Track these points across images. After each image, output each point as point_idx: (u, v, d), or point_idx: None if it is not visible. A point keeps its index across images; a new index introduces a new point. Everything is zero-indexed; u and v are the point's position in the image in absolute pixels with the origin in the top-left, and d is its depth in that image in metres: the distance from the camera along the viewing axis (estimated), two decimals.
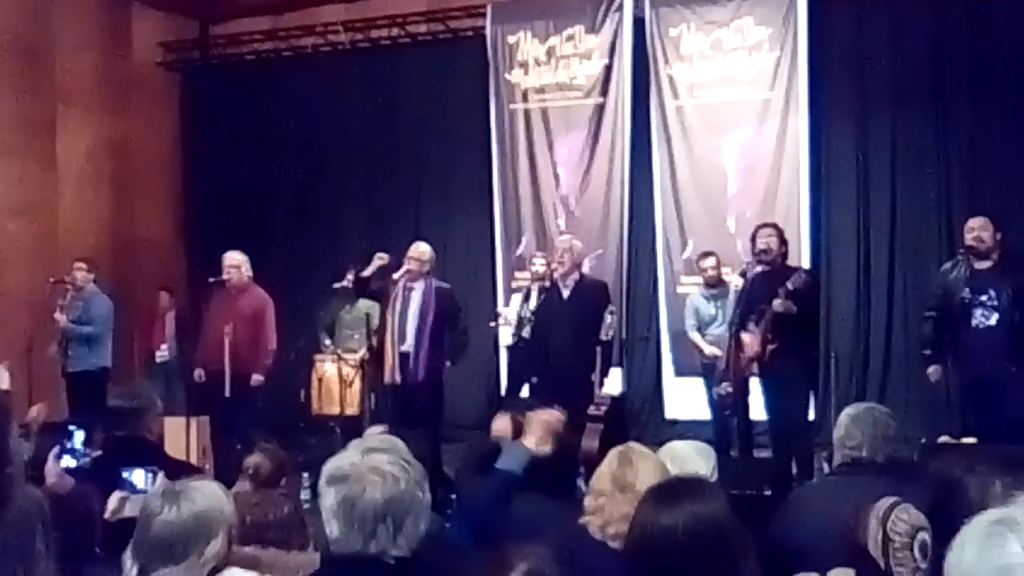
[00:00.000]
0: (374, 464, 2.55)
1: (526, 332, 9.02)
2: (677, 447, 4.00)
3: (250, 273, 9.18)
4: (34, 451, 4.55)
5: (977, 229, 7.51)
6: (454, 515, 4.86)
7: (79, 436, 3.98)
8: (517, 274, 11.19)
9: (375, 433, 4.72)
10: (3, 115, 11.41)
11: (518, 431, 4.66)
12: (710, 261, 9.32)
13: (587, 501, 3.44)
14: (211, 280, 9.23)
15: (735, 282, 8.74)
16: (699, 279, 9.69)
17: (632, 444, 3.58)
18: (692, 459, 3.81)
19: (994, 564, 1.39)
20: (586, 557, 3.08)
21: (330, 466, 2.59)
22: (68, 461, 3.94)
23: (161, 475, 3.80)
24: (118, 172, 12.66)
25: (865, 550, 2.80)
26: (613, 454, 3.49)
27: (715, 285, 9.19)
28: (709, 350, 8.93)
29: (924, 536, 2.80)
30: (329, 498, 2.52)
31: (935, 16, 10.29)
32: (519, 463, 4.25)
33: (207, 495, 2.82)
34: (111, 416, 4.76)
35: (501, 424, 5.12)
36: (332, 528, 2.52)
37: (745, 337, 7.76)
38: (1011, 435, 6.79)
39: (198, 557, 2.72)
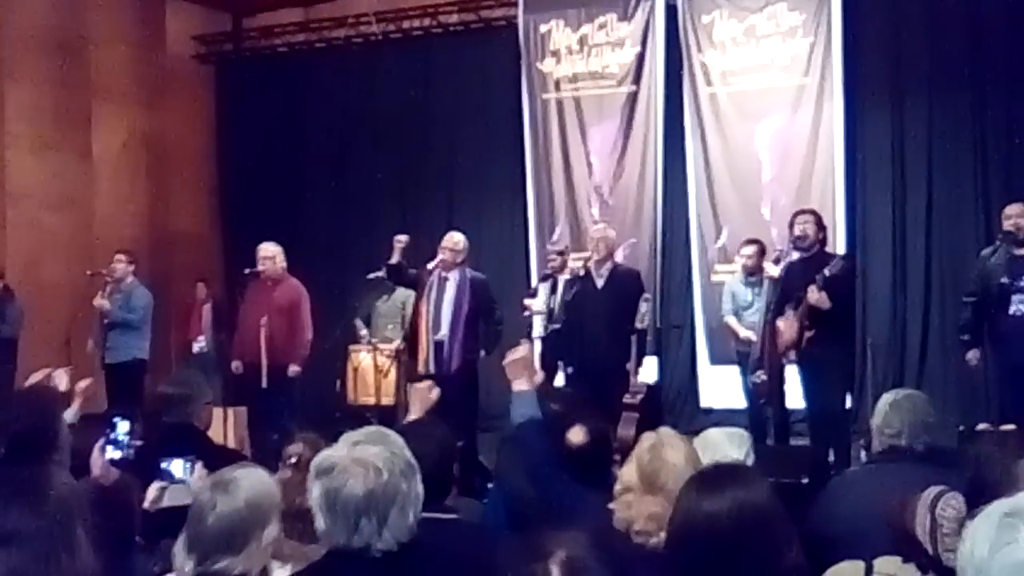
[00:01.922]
0: (359, 456, 2.54)
1: (556, 324, 9.03)
2: (711, 435, 3.97)
3: (284, 264, 9.21)
4: (75, 441, 4.58)
5: (1015, 216, 7.44)
6: (491, 503, 4.86)
7: (123, 427, 3.98)
8: (547, 266, 11.21)
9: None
10: (39, 109, 11.51)
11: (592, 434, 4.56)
12: (751, 249, 9.13)
13: (616, 490, 3.42)
14: (246, 272, 9.28)
15: (770, 271, 8.69)
16: (734, 267, 9.65)
17: (664, 431, 3.51)
18: (726, 446, 3.78)
19: (1009, 560, 1.36)
20: (621, 546, 3.07)
21: (318, 458, 2.60)
22: (112, 452, 3.96)
23: (200, 465, 3.82)
24: (153, 165, 12.75)
25: (913, 537, 2.78)
26: (645, 444, 3.42)
27: (753, 273, 9.10)
28: (744, 334, 8.87)
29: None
30: (315, 491, 2.53)
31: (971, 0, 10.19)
32: (531, 404, 4.23)
33: (256, 482, 2.83)
34: (159, 402, 4.81)
35: (577, 434, 4.90)
36: (319, 521, 2.53)
37: (780, 323, 7.72)
38: None
39: (257, 544, 2.74)
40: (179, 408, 4.80)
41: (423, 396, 4.74)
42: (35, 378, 5.02)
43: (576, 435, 4.35)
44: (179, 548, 2.75)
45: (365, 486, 2.49)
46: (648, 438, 3.45)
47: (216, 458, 3.82)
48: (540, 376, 4.39)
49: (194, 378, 5.31)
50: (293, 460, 4.43)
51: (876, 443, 4.11)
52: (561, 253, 10.08)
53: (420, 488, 2.58)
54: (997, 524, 1.39)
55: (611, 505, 3.33)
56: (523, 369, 4.32)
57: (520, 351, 4.43)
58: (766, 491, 2.57)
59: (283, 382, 8.94)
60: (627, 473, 3.37)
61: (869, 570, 2.85)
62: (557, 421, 4.36)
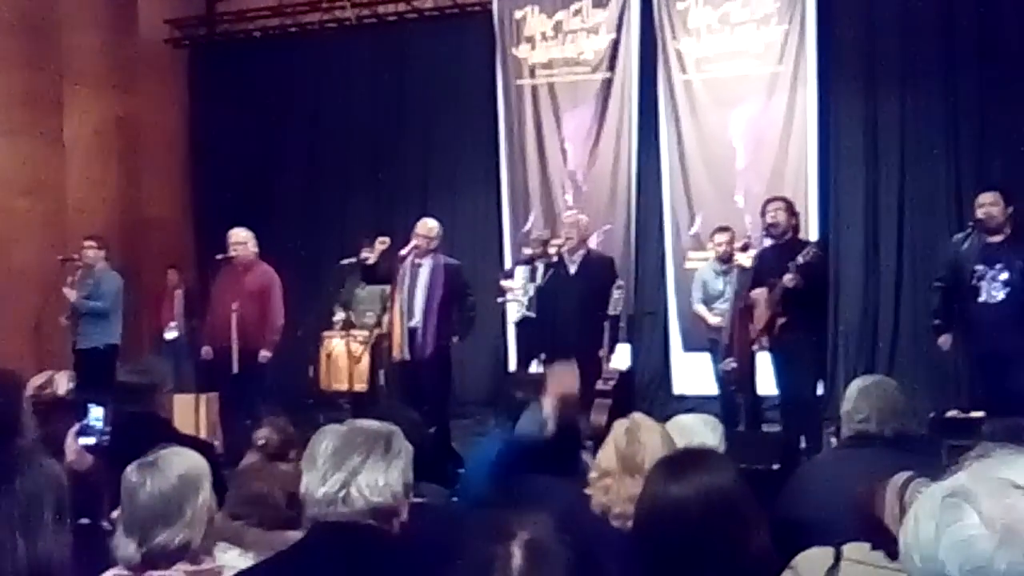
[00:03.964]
0: (351, 422, 2.65)
1: (531, 311, 9.03)
2: (684, 420, 3.99)
3: (256, 250, 9.18)
4: (46, 428, 4.55)
5: (987, 204, 7.45)
6: (460, 488, 4.87)
7: (96, 412, 3.97)
8: (525, 250, 11.18)
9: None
10: (10, 94, 11.38)
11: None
12: (724, 236, 9.19)
13: (592, 476, 3.42)
14: (218, 257, 9.25)
15: (741, 259, 8.72)
16: (707, 254, 9.67)
17: (637, 416, 3.53)
18: (700, 432, 3.80)
19: (953, 539, 1.36)
20: (588, 530, 3.08)
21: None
22: (86, 439, 3.94)
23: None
24: (126, 150, 12.64)
25: (881, 523, 2.78)
26: (620, 429, 3.45)
27: (727, 260, 9.11)
28: (714, 320, 8.92)
29: None
30: (305, 453, 2.62)
31: None
32: (530, 428, 4.24)
33: (182, 456, 2.88)
34: (121, 392, 4.76)
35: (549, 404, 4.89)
36: (302, 482, 2.58)
37: (755, 293, 7.75)
38: (1019, 409, 6.79)
39: (192, 512, 2.76)
40: (142, 397, 4.75)
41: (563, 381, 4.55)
42: (37, 381, 4.98)
43: (548, 404, 4.38)
44: (119, 535, 2.76)
45: (339, 442, 2.56)
46: (622, 423, 3.47)
47: (185, 447, 3.80)
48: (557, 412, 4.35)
49: (155, 365, 5.27)
50: (261, 442, 4.41)
51: (845, 429, 4.12)
52: (545, 243, 10.01)
53: (404, 463, 2.60)
54: (940, 505, 1.39)
55: (587, 491, 3.35)
56: (558, 387, 4.33)
57: (569, 374, 4.45)
58: (733, 476, 2.58)
59: (255, 368, 8.91)
60: (604, 458, 3.39)
61: (838, 556, 2.85)
62: (522, 408, 4.38)
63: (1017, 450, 1.46)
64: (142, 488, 2.76)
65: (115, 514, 2.99)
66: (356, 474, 2.52)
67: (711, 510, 2.48)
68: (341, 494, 2.51)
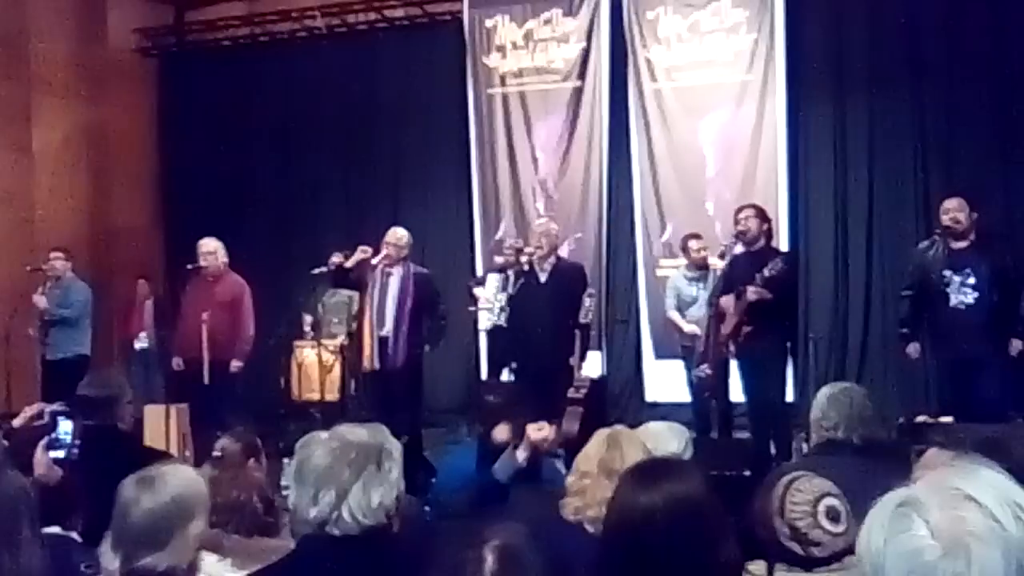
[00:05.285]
0: (338, 433, 2.58)
1: (502, 319, 9.02)
2: (651, 428, 4.02)
3: (226, 259, 9.15)
4: (16, 440, 4.52)
5: (953, 210, 7.52)
6: (432, 497, 4.87)
7: (65, 426, 3.94)
8: (496, 258, 11.17)
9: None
10: None
11: (520, 433, 4.63)
12: (699, 243, 9.17)
13: (569, 480, 3.45)
14: (188, 267, 9.21)
15: (717, 265, 8.75)
16: (679, 261, 9.70)
17: (620, 427, 3.59)
18: (666, 438, 3.82)
19: (903, 548, 1.37)
20: (558, 537, 3.09)
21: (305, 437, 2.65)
22: (55, 452, 3.92)
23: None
24: (94, 160, 12.59)
25: (779, 542, 2.74)
26: (602, 436, 3.49)
27: (703, 267, 9.11)
28: (689, 328, 8.92)
29: (829, 501, 2.70)
30: (292, 465, 2.57)
31: None
32: (505, 473, 4.28)
33: (181, 477, 2.82)
34: (81, 405, 4.72)
35: (502, 432, 5.04)
36: (290, 495, 2.54)
37: (723, 300, 7.78)
38: (987, 414, 6.86)
39: (183, 539, 2.72)
40: (103, 411, 4.71)
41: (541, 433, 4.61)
42: (29, 412, 4.92)
43: (500, 432, 4.40)
44: (105, 547, 2.72)
45: (330, 458, 2.51)
46: (602, 431, 3.54)
47: (148, 460, 3.79)
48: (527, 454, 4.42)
49: (115, 378, 5.23)
50: (218, 453, 4.38)
51: (814, 436, 4.15)
52: (519, 251, 9.97)
53: (395, 477, 2.57)
54: (891, 514, 1.40)
55: (565, 497, 3.37)
56: (540, 440, 4.37)
57: (546, 434, 4.49)
58: (701, 484, 2.59)
59: (225, 378, 8.88)
60: (584, 461, 3.43)
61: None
62: (492, 415, 4.41)
63: (983, 462, 1.48)
64: (136, 505, 2.71)
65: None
66: (347, 494, 2.48)
67: (678, 518, 2.48)
68: (333, 515, 2.47)
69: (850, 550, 2.66)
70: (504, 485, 4.25)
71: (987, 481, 1.41)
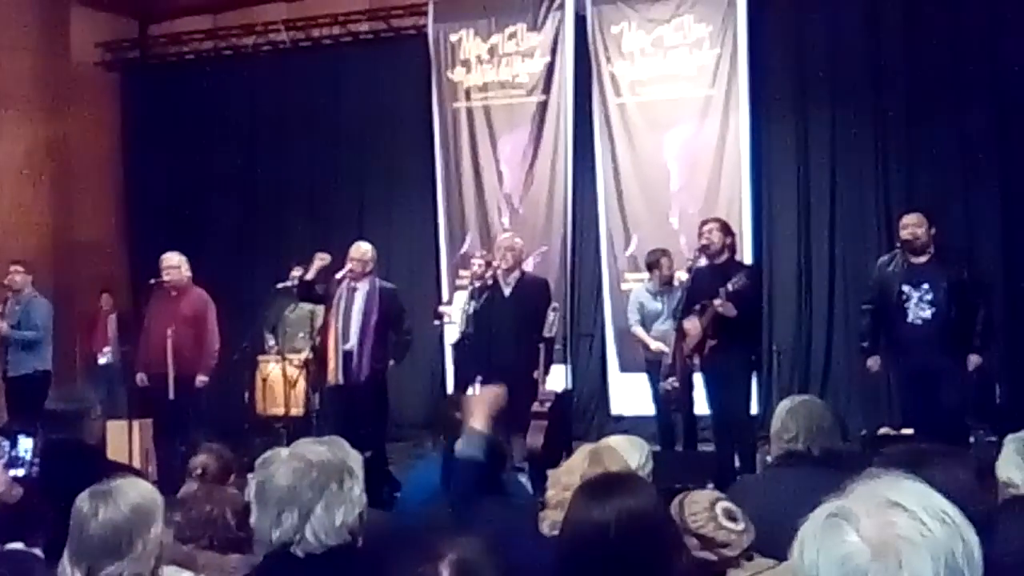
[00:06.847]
0: (297, 451, 2.57)
1: (470, 327, 9.01)
2: (612, 441, 4.03)
3: (189, 274, 9.11)
4: None
5: (912, 225, 7.59)
6: (397, 512, 4.87)
7: (25, 443, 3.92)
8: (461, 272, 11.18)
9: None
10: None
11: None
12: (668, 260, 9.14)
13: (550, 494, 3.46)
14: (151, 282, 9.16)
15: (682, 278, 8.78)
16: (644, 275, 9.71)
17: (608, 441, 3.62)
18: (626, 451, 3.83)
19: (835, 555, 1.41)
20: (519, 550, 3.10)
21: (264, 454, 2.63)
22: (15, 471, 3.89)
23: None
24: (57, 173, 12.51)
25: (695, 557, 2.80)
26: (585, 450, 3.53)
27: (669, 283, 9.11)
28: (655, 345, 8.93)
29: (723, 503, 2.82)
30: (252, 484, 2.55)
31: (871, 15, 10.40)
32: (478, 448, 4.23)
33: (136, 488, 2.83)
34: (49, 420, 4.70)
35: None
36: (252, 515, 2.54)
37: (686, 323, 7.80)
38: (946, 427, 6.93)
39: (143, 546, 2.71)
40: (71, 425, 4.69)
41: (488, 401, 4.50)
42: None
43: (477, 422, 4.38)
44: (65, 562, 2.71)
45: (291, 478, 2.50)
46: (585, 446, 3.63)
47: (114, 475, 3.78)
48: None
49: (83, 393, 5.21)
50: (199, 471, 4.39)
51: (775, 448, 4.16)
52: (489, 264, 9.95)
53: (357, 494, 2.57)
54: (822, 525, 1.44)
55: (543, 512, 3.39)
56: (484, 408, 4.29)
57: (492, 392, 4.40)
58: (654, 499, 2.61)
59: (190, 393, 8.83)
60: (566, 473, 3.44)
61: None
62: (457, 428, 4.38)
63: (905, 474, 1.51)
64: (93, 518, 2.70)
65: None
66: (310, 514, 2.47)
67: (631, 533, 2.50)
68: (296, 536, 2.47)
69: (754, 547, 2.84)
70: (469, 498, 4.22)
71: (912, 489, 1.45)
